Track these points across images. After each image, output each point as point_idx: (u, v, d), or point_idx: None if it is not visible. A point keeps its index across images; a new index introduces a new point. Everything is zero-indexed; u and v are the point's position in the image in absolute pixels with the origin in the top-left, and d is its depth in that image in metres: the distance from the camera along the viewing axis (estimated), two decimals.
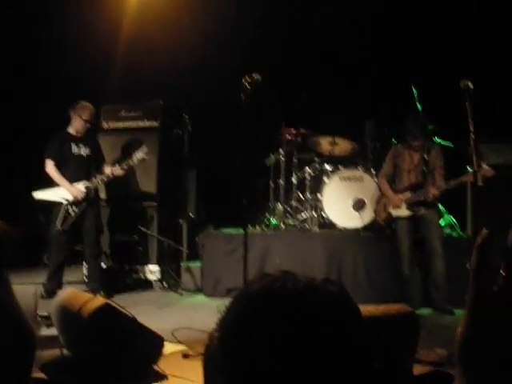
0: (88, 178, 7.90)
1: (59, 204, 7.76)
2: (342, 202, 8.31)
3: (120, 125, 9.21)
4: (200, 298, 8.11)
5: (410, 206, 7.29)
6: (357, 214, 8.20)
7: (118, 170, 7.92)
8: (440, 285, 7.12)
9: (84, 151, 7.94)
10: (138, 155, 7.87)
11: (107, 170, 8.02)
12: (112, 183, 8.33)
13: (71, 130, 7.95)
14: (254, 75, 5.69)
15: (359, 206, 8.25)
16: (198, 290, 8.30)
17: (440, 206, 7.79)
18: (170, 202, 9.07)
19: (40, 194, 7.85)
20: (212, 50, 9.78)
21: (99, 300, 4.00)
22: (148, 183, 8.90)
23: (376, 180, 8.17)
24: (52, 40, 9.74)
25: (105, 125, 9.27)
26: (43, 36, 9.72)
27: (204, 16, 9.48)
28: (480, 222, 6.48)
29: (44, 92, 10.01)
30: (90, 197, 7.86)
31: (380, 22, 9.67)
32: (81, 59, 9.69)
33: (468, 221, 8.28)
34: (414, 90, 8.03)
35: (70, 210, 7.74)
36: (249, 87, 5.63)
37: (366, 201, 8.21)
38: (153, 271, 8.68)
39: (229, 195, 8.83)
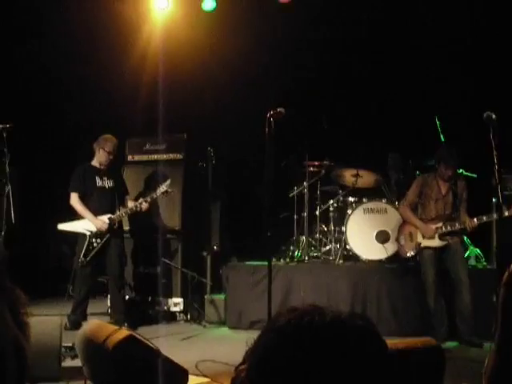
0: (112, 209, 7.99)
1: (83, 236, 7.83)
2: (365, 234, 8.29)
3: (145, 157, 9.28)
4: (224, 330, 8.09)
5: (442, 235, 7.23)
6: (381, 245, 8.16)
7: (142, 205, 7.98)
8: (467, 317, 7.02)
9: (107, 183, 8.04)
10: (162, 188, 7.92)
11: (131, 203, 8.12)
12: (137, 215, 8.38)
13: (95, 162, 8.06)
14: (278, 109, 5.73)
15: (383, 238, 8.21)
16: (222, 322, 8.28)
17: (465, 238, 7.73)
18: (194, 234, 9.09)
19: (64, 226, 7.95)
20: (236, 83, 9.87)
21: (124, 332, 4.01)
22: (172, 215, 8.93)
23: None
24: (79, 75, 9.89)
25: (130, 158, 9.35)
26: (70, 72, 9.87)
27: (229, 51, 9.58)
28: (505, 253, 6.43)
29: (71, 127, 10.16)
30: (114, 229, 7.92)
31: (405, 55, 9.71)
32: (106, 93, 9.82)
33: (493, 252, 8.22)
34: (437, 122, 8.05)
35: (94, 242, 7.80)
36: (273, 121, 5.66)
37: (390, 233, 8.18)
38: (176, 303, 8.68)
39: (253, 228, 8.85)
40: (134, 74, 9.74)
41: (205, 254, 9.01)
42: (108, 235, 7.85)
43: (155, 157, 9.19)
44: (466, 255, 7.87)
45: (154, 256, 8.60)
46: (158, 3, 9.38)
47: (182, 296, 8.70)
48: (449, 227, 7.16)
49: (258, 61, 9.88)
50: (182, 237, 8.89)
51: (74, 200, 7.88)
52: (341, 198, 8.94)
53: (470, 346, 6.87)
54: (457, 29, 9.20)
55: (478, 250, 8.40)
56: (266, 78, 10.03)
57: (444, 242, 7.21)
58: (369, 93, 9.93)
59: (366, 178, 8.92)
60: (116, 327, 4.17)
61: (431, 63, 9.56)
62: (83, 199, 7.91)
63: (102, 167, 8.05)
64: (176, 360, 4.27)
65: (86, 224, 7.82)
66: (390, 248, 8.12)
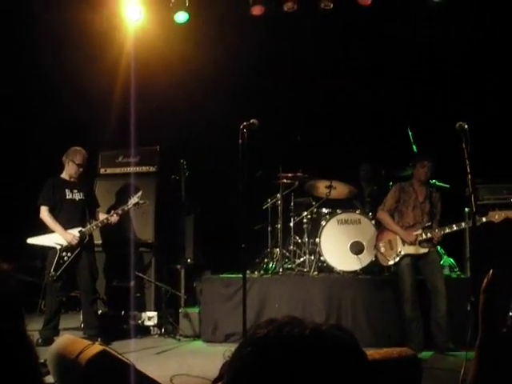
0: (82, 222, 7.93)
1: (53, 250, 7.74)
2: (339, 245, 8.30)
3: (117, 170, 9.23)
4: (198, 343, 8.03)
5: (421, 242, 7.25)
6: (355, 256, 8.17)
7: (112, 217, 7.94)
8: (443, 326, 7.05)
9: (77, 196, 7.97)
10: (133, 200, 7.88)
11: (102, 216, 8.08)
12: (108, 228, 8.31)
13: (64, 175, 8.02)
14: (251, 120, 5.72)
15: (357, 248, 8.23)
16: (196, 335, 8.22)
17: (439, 248, 7.77)
18: (168, 247, 9.04)
19: (34, 240, 7.84)
20: (209, 95, 9.86)
21: (97, 347, 3.94)
22: (145, 228, 8.87)
23: (373, 222, 8.18)
24: (49, 87, 9.80)
25: (102, 170, 9.29)
26: (40, 83, 9.79)
27: (200, 63, 9.57)
28: (479, 263, 6.47)
29: (42, 138, 10.05)
30: (84, 242, 7.84)
31: (376, 67, 9.78)
32: (78, 106, 9.74)
33: (466, 262, 8.28)
34: (409, 133, 8.10)
35: (64, 256, 7.71)
36: (246, 132, 5.66)
37: (364, 243, 8.20)
38: (150, 317, 8.60)
39: (226, 240, 8.81)
40: (106, 85, 9.68)
41: (178, 267, 8.96)
42: (79, 249, 7.77)
43: (128, 169, 9.14)
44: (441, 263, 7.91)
45: (127, 270, 8.52)
46: (131, 15, 9.35)
47: (155, 310, 8.63)
48: (429, 234, 7.18)
49: (231, 73, 9.88)
50: (156, 250, 8.84)
51: (44, 213, 7.80)
52: (314, 210, 8.95)
53: (447, 351, 6.89)
54: (427, 39, 9.29)
55: (452, 260, 8.46)
56: (239, 90, 10.03)
57: (425, 250, 7.24)
58: (341, 104, 9.98)
59: (340, 189, 8.94)
60: (89, 342, 4.10)
61: (403, 74, 9.64)
62: (53, 212, 7.84)
63: (72, 180, 8.00)
64: (151, 375, 4.22)
65: (56, 238, 7.74)
66: (364, 259, 8.14)
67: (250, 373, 1.07)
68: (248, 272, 7.73)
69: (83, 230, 7.83)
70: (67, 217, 7.86)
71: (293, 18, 9.43)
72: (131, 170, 9.13)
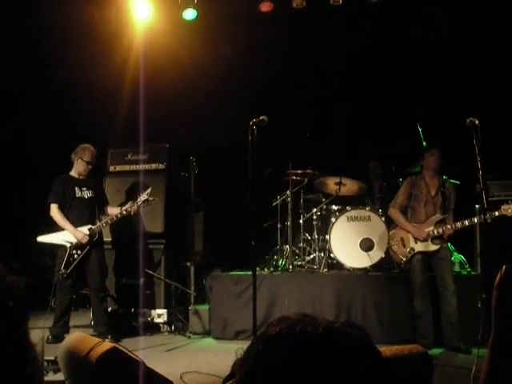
0: (92, 220, 7.95)
1: (63, 248, 7.75)
2: (349, 242, 8.27)
3: (127, 168, 9.23)
4: (208, 341, 8.03)
5: (434, 239, 7.21)
6: (365, 253, 8.14)
7: (123, 214, 7.90)
8: (454, 323, 7.00)
9: (87, 194, 7.98)
10: (142, 197, 7.83)
11: (111, 210, 8.08)
12: (118, 226, 8.32)
13: (73, 173, 8.03)
14: (260, 117, 5.71)
15: (367, 245, 8.20)
16: (206, 333, 8.23)
17: (449, 244, 7.73)
18: (177, 244, 9.03)
19: (44, 238, 7.85)
20: (218, 92, 9.85)
21: (107, 344, 3.94)
22: (155, 226, 8.86)
23: (383, 219, 8.15)
24: (59, 85, 9.82)
25: (112, 168, 9.29)
26: (51, 81, 9.81)
27: (209, 59, 9.57)
28: (489, 259, 6.44)
29: (52, 136, 10.07)
30: (94, 240, 7.85)
31: (385, 62, 9.74)
32: (87, 104, 9.75)
33: (477, 258, 8.24)
34: (419, 129, 8.07)
35: (74, 254, 7.72)
36: (256, 128, 5.64)
37: (374, 240, 8.17)
38: (160, 314, 8.61)
39: (236, 237, 8.80)
40: (115, 83, 9.68)
41: (188, 264, 8.96)
42: (88, 247, 7.78)
43: (137, 167, 9.13)
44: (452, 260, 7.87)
45: (136, 267, 8.52)
46: (140, 13, 9.35)
47: (165, 307, 8.63)
48: (440, 230, 7.14)
49: (240, 69, 9.87)
50: (165, 247, 8.83)
51: (54, 211, 7.81)
52: (324, 207, 8.93)
53: (457, 352, 6.85)
54: (439, 34, 9.24)
55: (462, 257, 8.42)
56: (248, 87, 10.01)
57: (436, 246, 7.20)
58: (351, 100, 9.95)
59: (349, 186, 8.91)
60: (99, 339, 4.10)
61: (413, 70, 9.59)
62: (62, 210, 7.84)
63: (81, 177, 8.01)
64: (161, 372, 4.21)
65: (66, 236, 7.74)
66: (374, 256, 8.11)
67: (262, 371, 1.06)
68: (258, 269, 7.73)
69: (93, 227, 7.84)
70: (77, 215, 7.87)
71: (302, 15, 9.41)
72: (140, 167, 9.12)
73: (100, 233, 8.02)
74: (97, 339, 4.19)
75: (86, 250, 7.77)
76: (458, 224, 7.08)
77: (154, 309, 8.63)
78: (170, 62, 9.71)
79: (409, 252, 7.30)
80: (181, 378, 5.69)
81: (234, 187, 9.00)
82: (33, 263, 10.60)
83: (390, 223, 7.88)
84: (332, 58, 9.91)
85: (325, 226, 8.68)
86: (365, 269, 8.17)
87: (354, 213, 8.41)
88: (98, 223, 7.95)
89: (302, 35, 9.72)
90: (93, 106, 9.75)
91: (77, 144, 8.08)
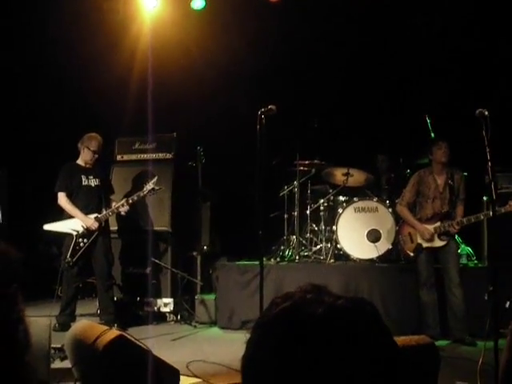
0: (98, 209, 7.96)
1: (69, 236, 7.77)
2: (356, 233, 8.26)
3: (134, 157, 9.23)
4: (214, 330, 8.05)
5: (440, 235, 7.20)
6: (372, 244, 8.13)
7: (128, 203, 7.93)
8: (460, 315, 6.99)
9: (93, 182, 7.99)
10: (149, 186, 7.84)
11: (114, 205, 8.04)
12: (124, 215, 8.32)
13: (80, 161, 8.04)
14: (269, 106, 5.69)
15: (374, 236, 8.18)
16: (213, 322, 8.25)
17: (456, 237, 7.71)
18: (184, 234, 9.03)
19: (50, 226, 7.88)
20: (226, 81, 9.83)
21: (114, 332, 3.96)
22: (162, 215, 8.87)
23: (390, 210, 8.13)
24: (66, 75, 9.81)
25: (119, 157, 9.30)
26: (58, 71, 9.80)
27: (219, 50, 9.55)
28: (497, 252, 6.41)
29: (59, 126, 10.08)
30: (100, 228, 7.86)
31: (393, 54, 9.70)
32: (95, 92, 9.74)
33: (484, 250, 8.22)
34: (427, 120, 8.03)
35: (80, 242, 7.74)
36: (264, 119, 5.62)
37: (381, 231, 8.16)
38: (166, 304, 8.62)
39: (243, 227, 8.80)
40: (123, 72, 9.66)
41: (195, 253, 8.97)
42: (95, 235, 7.80)
43: (144, 156, 9.14)
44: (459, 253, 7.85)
45: (143, 256, 8.54)
46: (147, 2, 9.32)
47: (172, 296, 8.64)
48: (446, 226, 7.12)
49: (248, 59, 9.84)
50: (172, 236, 8.84)
51: (63, 200, 7.83)
52: (331, 197, 8.92)
53: (463, 344, 6.85)
54: (445, 25, 9.20)
55: (469, 249, 8.40)
56: (256, 77, 9.99)
57: (443, 242, 7.19)
58: (359, 90, 9.92)
59: (357, 177, 8.89)
60: (106, 327, 4.12)
61: (421, 60, 9.55)
62: (69, 198, 7.87)
63: (88, 166, 8.02)
64: (167, 360, 4.22)
65: (73, 224, 7.76)
66: (381, 247, 8.10)
67: (259, 359, 1.04)
68: (264, 259, 7.73)
69: (99, 216, 7.85)
70: (84, 203, 7.89)
71: (310, 3, 9.38)
72: (148, 156, 9.13)
73: (106, 221, 8.02)
74: (104, 327, 4.20)
75: (92, 239, 7.78)
76: (464, 220, 7.07)
77: (161, 298, 8.64)
78: (178, 51, 9.70)
79: (416, 248, 7.29)
80: (187, 366, 5.71)
81: (241, 177, 9.00)
82: (40, 252, 10.62)
83: (398, 219, 7.87)
84: (340, 47, 9.87)
85: (332, 217, 8.67)
86: (371, 260, 8.16)
87: (361, 204, 8.40)
88: (104, 212, 7.95)
89: (310, 24, 9.67)
90: (101, 95, 9.74)
91: (85, 133, 8.08)
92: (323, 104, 9.93)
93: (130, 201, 7.90)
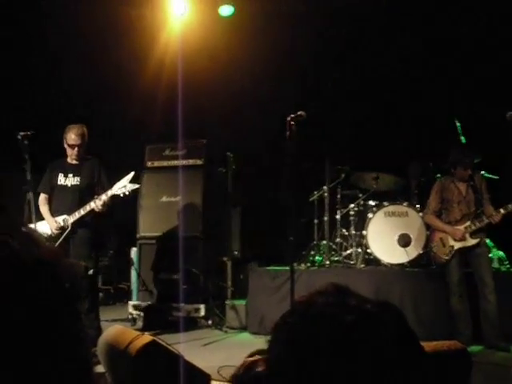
0: (71, 209, 7.12)
1: None
2: (386, 238, 8.24)
3: (164, 163, 9.28)
4: (245, 335, 8.06)
5: (473, 234, 7.15)
6: (402, 249, 8.10)
7: (96, 203, 6.99)
8: (492, 320, 6.91)
9: (71, 181, 7.26)
10: (119, 183, 7.03)
11: (91, 204, 7.06)
12: (157, 221, 8.35)
13: (68, 158, 7.37)
14: (298, 112, 5.70)
15: (404, 241, 8.15)
16: (243, 327, 8.26)
17: (488, 241, 7.64)
18: (214, 239, 9.07)
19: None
20: (255, 87, 9.86)
21: (146, 337, 3.99)
22: (192, 221, 8.90)
23: (420, 215, 8.09)
24: (97, 81, 9.92)
25: (149, 163, 9.36)
26: (89, 78, 9.92)
27: (246, 55, 9.59)
28: None
29: (90, 133, 10.18)
30: (68, 231, 7.09)
31: (424, 58, 9.65)
32: (125, 99, 9.84)
33: None
34: (457, 124, 7.98)
35: None
36: (294, 125, 5.64)
37: (412, 236, 8.12)
38: (197, 309, 8.65)
39: (273, 232, 8.82)
40: (153, 79, 9.75)
41: (225, 259, 9.01)
42: (61, 239, 7.05)
43: (175, 162, 9.18)
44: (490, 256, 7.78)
45: (174, 262, 8.58)
46: (176, 9, 9.40)
47: (203, 302, 8.67)
48: (477, 223, 7.07)
49: (277, 65, 9.86)
50: (203, 242, 8.87)
51: (39, 200, 7.30)
52: (361, 202, 8.90)
53: (496, 349, 6.78)
54: (473, 26, 9.13)
55: (502, 253, 8.32)
56: (285, 82, 10.01)
57: (476, 240, 7.12)
58: (389, 95, 9.88)
59: (387, 181, 8.88)
60: (138, 333, 4.15)
61: (452, 63, 9.49)
62: (49, 198, 7.34)
63: (74, 162, 7.31)
64: (198, 365, 4.25)
65: (43, 227, 7.12)
66: (411, 251, 8.06)
67: (284, 364, 1.04)
68: (295, 264, 7.74)
69: (67, 217, 7.08)
70: (55, 203, 7.27)
71: (337, 11, 9.38)
72: (178, 163, 9.16)
73: (83, 223, 7.14)
74: (136, 332, 4.24)
75: (58, 242, 7.00)
76: (502, 210, 6.98)
77: (192, 303, 8.67)
78: (207, 58, 9.76)
79: (449, 251, 7.23)
80: (218, 372, 5.72)
81: (271, 182, 9.02)
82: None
83: (427, 226, 7.82)
84: (369, 55, 9.85)
85: (362, 222, 8.65)
86: (402, 264, 8.13)
87: (391, 208, 8.37)
88: (75, 213, 7.06)
89: (338, 32, 9.67)
90: (131, 101, 9.83)
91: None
92: (353, 109, 9.91)
93: (104, 197, 6.96)
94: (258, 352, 1.25)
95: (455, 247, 7.19)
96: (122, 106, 9.98)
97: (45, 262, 0.85)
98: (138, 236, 9.05)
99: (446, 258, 7.25)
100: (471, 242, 7.15)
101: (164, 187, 9.02)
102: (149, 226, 8.94)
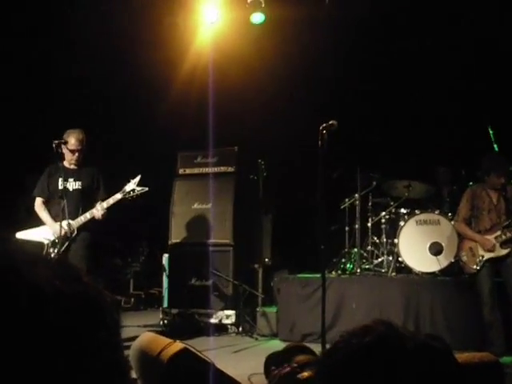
0: (74, 214, 7.05)
1: (41, 245, 6.97)
2: (418, 246, 8.19)
3: (196, 170, 9.34)
4: (275, 342, 8.05)
5: (503, 244, 7.08)
6: (434, 257, 8.04)
7: (97, 212, 7.01)
8: None
9: (72, 186, 7.15)
10: (127, 187, 7.07)
11: (93, 210, 7.06)
12: (188, 228, 8.41)
13: (66, 162, 7.24)
14: (330, 122, 5.70)
15: (436, 249, 8.10)
16: (274, 334, 8.27)
17: None
18: (246, 246, 9.09)
19: (22, 234, 7.10)
20: (287, 95, 9.88)
21: (178, 345, 4.02)
22: (223, 228, 8.95)
23: (452, 223, 8.02)
24: (129, 90, 10.02)
25: (181, 171, 9.42)
26: (121, 86, 10.01)
27: (278, 62, 9.61)
28: None
29: (123, 141, 10.28)
30: (72, 236, 6.99)
31: (455, 64, 9.59)
32: (157, 106, 9.92)
33: None
34: (490, 131, 7.92)
35: (52, 252, 6.93)
36: (325, 133, 5.64)
37: (443, 244, 8.06)
38: (228, 316, 8.68)
39: (304, 239, 8.82)
40: (185, 87, 9.82)
41: (256, 266, 9.03)
42: (66, 244, 6.96)
43: (206, 170, 9.24)
44: None
45: (205, 268, 8.63)
46: (208, 17, 9.47)
47: (233, 308, 8.70)
48: (508, 234, 7.00)
49: (309, 72, 9.87)
50: (234, 249, 8.90)
51: (36, 205, 7.17)
52: (393, 210, 8.87)
53: None
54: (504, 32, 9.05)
55: None
56: (317, 90, 10.01)
57: (507, 250, 7.03)
58: (420, 102, 9.83)
59: (418, 189, 8.84)
60: (170, 340, 4.18)
61: (485, 69, 9.42)
62: (48, 203, 7.21)
63: (72, 167, 7.22)
64: (228, 373, 4.26)
65: (45, 232, 7.05)
66: (443, 260, 8.01)
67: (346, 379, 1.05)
68: (326, 272, 7.73)
69: (71, 222, 6.97)
70: (57, 208, 7.02)
71: (368, 16, 9.37)
72: (210, 170, 9.23)
73: (86, 228, 7.09)
74: (168, 340, 4.27)
75: (63, 248, 6.93)
76: None
77: (222, 310, 8.70)
78: (239, 65, 9.79)
79: (479, 260, 7.16)
80: (249, 379, 5.73)
81: (302, 190, 9.02)
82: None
83: (458, 235, 7.76)
84: (400, 61, 9.81)
85: (393, 230, 8.62)
86: (433, 273, 8.07)
87: (423, 216, 8.32)
88: (78, 219, 7.01)
89: (372, 38, 9.65)
90: (163, 109, 9.91)
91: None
92: (384, 116, 9.89)
93: (105, 205, 7.02)
94: (273, 355, 1.27)
95: (485, 257, 7.12)
96: (155, 113, 10.06)
97: (90, 299, 0.87)
98: (169, 242, 9.12)
99: (476, 267, 7.18)
100: (501, 252, 7.07)
101: (196, 194, 9.08)
102: (180, 233, 9.01)
